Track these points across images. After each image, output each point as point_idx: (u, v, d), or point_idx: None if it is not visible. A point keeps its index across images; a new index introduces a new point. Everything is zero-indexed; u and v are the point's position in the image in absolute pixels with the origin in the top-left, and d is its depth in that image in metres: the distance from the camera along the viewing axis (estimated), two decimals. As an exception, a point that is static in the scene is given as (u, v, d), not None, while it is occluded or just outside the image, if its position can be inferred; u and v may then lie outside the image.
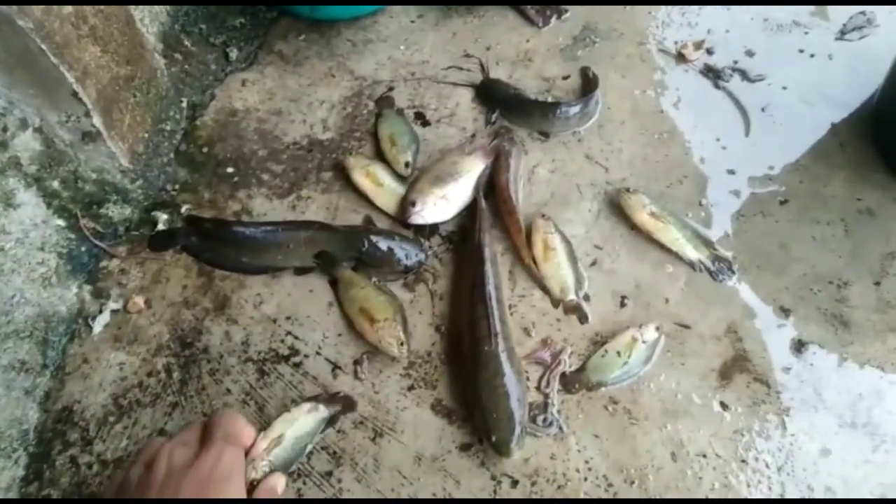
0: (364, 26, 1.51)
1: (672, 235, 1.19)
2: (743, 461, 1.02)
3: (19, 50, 0.97)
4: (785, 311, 1.14)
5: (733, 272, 1.18)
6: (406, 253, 1.17)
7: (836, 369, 1.08)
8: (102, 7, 1.09)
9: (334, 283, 1.17)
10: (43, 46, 0.96)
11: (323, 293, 1.17)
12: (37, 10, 0.95)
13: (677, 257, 1.19)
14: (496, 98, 1.38)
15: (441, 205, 1.21)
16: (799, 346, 1.10)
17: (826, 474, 1.00)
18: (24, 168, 1.10)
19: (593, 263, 1.19)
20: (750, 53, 1.46)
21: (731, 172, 1.29)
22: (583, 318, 1.14)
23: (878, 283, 1.16)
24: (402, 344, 1.09)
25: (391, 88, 1.42)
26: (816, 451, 1.02)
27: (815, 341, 1.11)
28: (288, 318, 1.15)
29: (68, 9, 1.00)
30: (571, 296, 1.15)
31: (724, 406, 1.06)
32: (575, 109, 1.33)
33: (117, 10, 1.13)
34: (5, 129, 1.07)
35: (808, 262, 1.19)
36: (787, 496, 0.99)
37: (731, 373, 1.09)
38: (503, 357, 1.04)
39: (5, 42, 0.96)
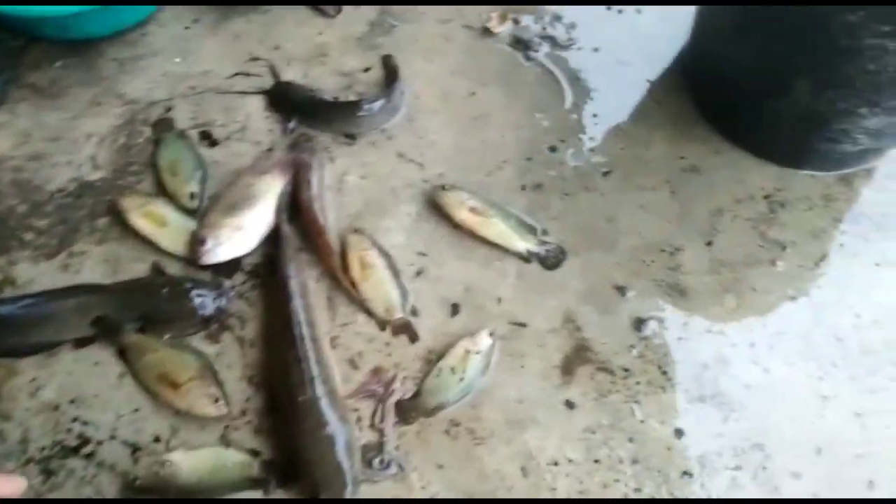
0: (131, 41, 1.30)
1: (496, 229, 1.09)
2: (596, 461, 0.94)
3: None
4: (620, 290, 1.07)
5: (564, 256, 1.10)
6: (202, 300, 1.00)
7: (678, 342, 1.03)
8: None
9: (122, 352, 0.99)
10: None
11: (110, 365, 0.98)
12: None
13: (505, 251, 1.10)
14: (291, 103, 1.22)
15: (238, 237, 1.05)
16: (638, 324, 1.04)
17: (681, 457, 0.95)
18: None
19: (418, 273, 1.08)
20: (557, 18, 1.38)
21: (553, 150, 1.21)
22: (413, 337, 1.03)
23: (709, 243, 1.12)
24: (217, 401, 0.94)
25: (169, 108, 1.22)
26: (669, 434, 0.96)
27: (655, 316, 1.05)
28: (72, 401, 0.96)
29: None
30: (398, 314, 1.03)
31: (569, 405, 0.98)
32: (379, 104, 1.20)
33: None
34: None
35: (637, 232, 1.13)
36: (645, 490, 0.92)
37: (573, 366, 1.01)
38: (322, 403, 0.91)
39: None
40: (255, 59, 1.30)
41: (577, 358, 1.02)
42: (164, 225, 1.07)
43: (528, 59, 1.32)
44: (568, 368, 1.01)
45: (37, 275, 1.06)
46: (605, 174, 1.18)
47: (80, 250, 1.08)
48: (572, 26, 1.37)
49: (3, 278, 1.06)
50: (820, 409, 0.98)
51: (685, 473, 0.94)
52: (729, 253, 1.11)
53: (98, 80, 1.25)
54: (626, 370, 1.00)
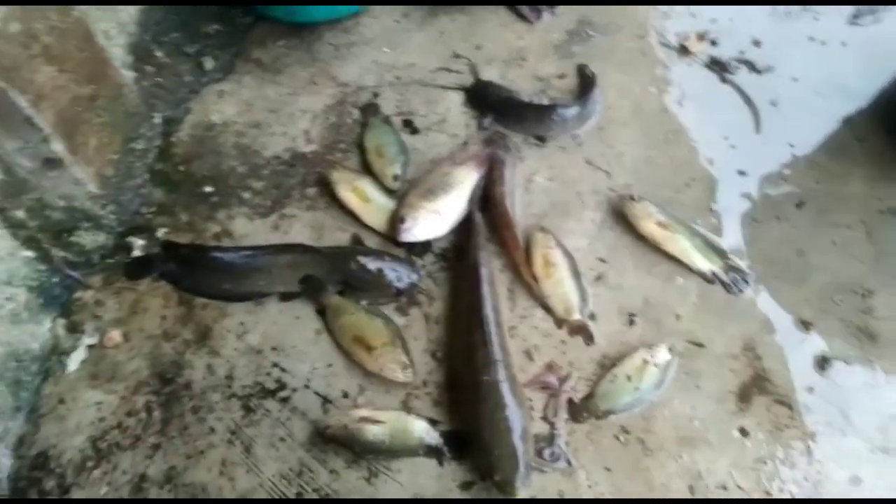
0: (346, 28, 1.40)
1: (681, 245, 1.10)
2: (766, 493, 0.93)
3: (-35, 76, 0.88)
4: (806, 325, 1.05)
5: (748, 283, 1.09)
6: (398, 274, 1.08)
7: (864, 388, 1.00)
8: (56, 22, 0.99)
9: (322, 311, 1.08)
10: (-12, 71, 0.87)
11: (310, 321, 1.07)
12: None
13: (688, 269, 1.10)
14: (488, 101, 1.28)
15: (433, 220, 1.12)
16: (822, 363, 1.02)
17: (857, 505, 0.92)
18: (-17, 199, 1.02)
19: (598, 278, 1.10)
20: (757, 43, 1.36)
21: (742, 174, 1.20)
22: (588, 339, 1.05)
23: (904, 291, 1.07)
24: (405, 368, 1.01)
25: (377, 94, 1.32)
26: (846, 480, 0.94)
27: (840, 357, 1.02)
28: (274, 348, 1.06)
29: (16, 27, 0.91)
30: (576, 315, 1.06)
31: (743, 432, 0.98)
32: (572, 111, 1.24)
33: (73, 26, 1.03)
34: (-40, 159, 0.98)
35: (828, 269, 1.10)
36: (816, 530, 0.91)
37: (750, 395, 1.00)
38: (504, 387, 0.95)
39: (-50, 67, 0.87)
40: (457, 56, 1.37)
41: (754, 387, 1.00)
42: (367, 201, 1.16)
43: (724, 80, 1.31)
44: (744, 396, 1.00)
45: (251, 230, 1.17)
46: (798, 205, 1.16)
47: (289, 213, 1.18)
48: (772, 52, 1.35)
49: (222, 230, 1.18)
50: None
51: (862, 522, 0.91)
52: (928, 304, 1.06)
53: (315, 61, 1.36)
54: (805, 407, 0.98)
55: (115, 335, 1.09)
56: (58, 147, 1.01)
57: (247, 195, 1.21)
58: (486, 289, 1.04)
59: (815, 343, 1.03)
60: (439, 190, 1.14)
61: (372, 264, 1.08)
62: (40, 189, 1.07)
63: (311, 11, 1.34)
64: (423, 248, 1.14)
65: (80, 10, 1.05)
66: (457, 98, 1.31)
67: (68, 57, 1.02)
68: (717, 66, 1.31)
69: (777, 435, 0.96)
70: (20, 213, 1.06)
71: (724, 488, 0.93)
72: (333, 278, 1.08)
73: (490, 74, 1.34)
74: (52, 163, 1.04)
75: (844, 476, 0.93)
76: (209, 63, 1.34)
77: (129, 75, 1.22)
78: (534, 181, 1.20)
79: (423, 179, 1.17)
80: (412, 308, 1.09)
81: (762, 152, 1.22)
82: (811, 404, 0.98)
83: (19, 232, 1.07)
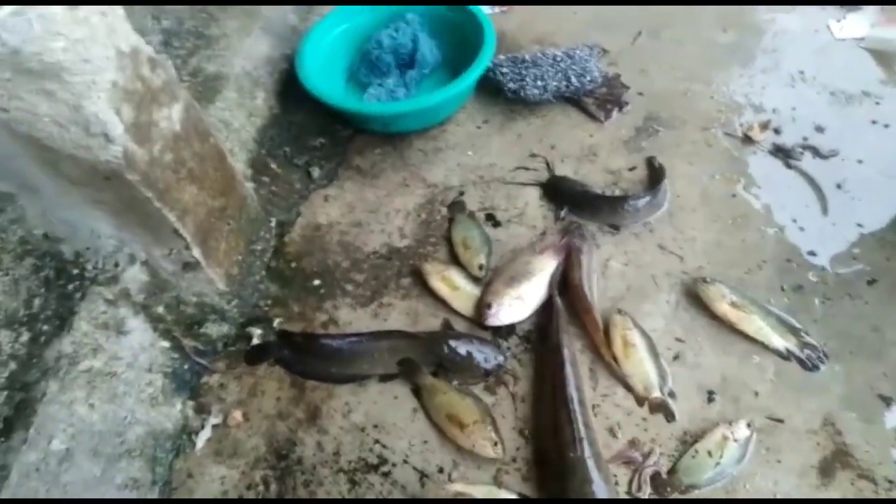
0: (434, 136, 1.60)
1: (756, 325, 1.17)
2: (856, 569, 0.96)
3: (128, 198, 1.09)
4: (885, 400, 1.09)
5: (825, 360, 1.14)
6: (485, 356, 1.19)
7: (949, 463, 1.02)
8: (198, 149, 1.21)
9: (417, 391, 1.20)
10: (148, 194, 1.08)
11: (407, 400, 1.20)
12: (141, 162, 1.07)
13: (763, 347, 1.16)
14: (563, 194, 1.43)
15: (517, 305, 1.24)
16: (906, 438, 1.05)
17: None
18: (132, 297, 1.22)
19: (676, 357, 1.18)
20: (820, 129, 1.45)
21: (812, 254, 1.27)
22: (669, 417, 1.12)
23: None
24: (496, 444, 1.11)
25: (462, 193, 1.49)
26: (938, 555, 0.95)
27: (923, 431, 1.05)
28: (375, 426, 1.19)
29: (168, 157, 1.12)
30: (656, 393, 1.14)
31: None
32: (643, 201, 1.35)
33: (210, 150, 1.25)
34: (116, 265, 1.19)
35: (905, 345, 1.14)
36: None
37: (832, 469, 1.04)
38: (590, 464, 1.03)
39: (116, 192, 1.09)
40: (533, 155, 1.54)
41: (836, 461, 1.04)
42: (456, 289, 1.30)
43: (789, 166, 1.40)
44: (826, 471, 1.03)
45: (354, 318, 1.33)
46: (870, 283, 1.21)
47: (387, 302, 1.33)
48: (836, 137, 1.43)
49: (329, 319, 1.34)
50: None
51: None
52: None
53: (406, 166, 1.55)
54: (890, 482, 1.01)
55: (237, 415, 1.25)
56: (196, 252, 1.21)
57: (350, 287, 1.37)
58: (569, 369, 1.14)
59: (897, 418, 1.07)
60: (521, 277, 1.27)
61: (462, 347, 1.20)
62: (178, 288, 1.27)
63: (402, 123, 1.55)
64: (507, 331, 1.25)
65: (213, 138, 1.27)
66: (534, 193, 1.46)
67: (206, 176, 1.23)
68: (781, 153, 1.41)
69: (863, 510, 1.00)
70: (160, 309, 1.26)
71: (813, 563, 0.96)
72: (428, 360, 1.21)
73: (564, 170, 1.49)
74: (189, 266, 1.24)
75: (937, 553, 0.95)
76: (316, 171, 1.55)
77: (249, 186, 1.43)
78: (609, 266, 1.31)
79: (506, 268, 1.30)
80: (499, 388, 1.20)
81: (831, 233, 1.29)
82: (895, 478, 1.01)
83: (159, 325, 1.26)
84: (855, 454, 1.04)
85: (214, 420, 1.25)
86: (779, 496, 1.02)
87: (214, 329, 1.33)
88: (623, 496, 1.05)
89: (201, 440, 1.24)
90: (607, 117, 1.56)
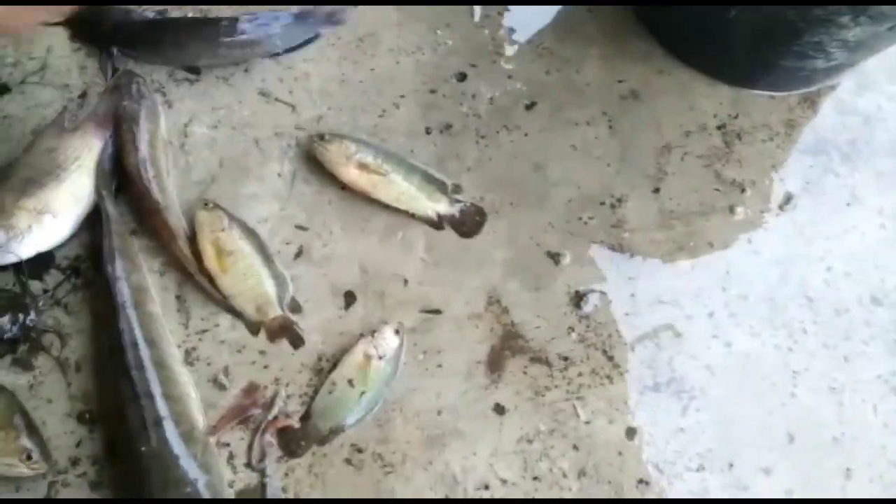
0: None
1: (395, 189, 0.87)
2: (535, 478, 0.78)
3: None
4: (554, 257, 0.89)
5: (483, 218, 0.90)
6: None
7: (625, 318, 0.86)
8: None
9: None
10: None
11: None
12: None
13: (409, 216, 0.88)
14: (108, 28, 0.93)
15: (45, 223, 0.79)
16: (577, 300, 0.86)
17: (636, 462, 0.80)
18: None
19: (298, 254, 0.85)
20: None
21: (462, 78, 0.97)
22: (297, 341, 0.81)
23: (656, 190, 0.94)
24: (29, 458, 0.71)
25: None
26: (620, 435, 0.81)
27: (596, 287, 0.87)
28: None
29: None
30: (274, 311, 0.81)
31: (499, 409, 0.81)
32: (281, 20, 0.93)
33: None
34: None
35: (572, 181, 0.93)
36: (592, 506, 0.78)
37: (501, 360, 0.83)
38: (173, 452, 0.70)
39: None
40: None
41: (505, 349, 0.83)
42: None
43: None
44: (496, 363, 0.82)
45: None
46: (529, 107, 0.97)
47: None
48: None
49: None
50: (790, 387, 0.85)
51: (641, 482, 0.79)
52: (680, 200, 0.93)
53: None
54: (564, 359, 0.83)
55: None
56: None
57: None
58: (127, 314, 0.75)
59: (568, 276, 0.88)
60: (45, 176, 0.80)
61: (-48, 312, 0.74)
62: None
63: None
64: (39, 266, 0.81)
65: None
66: (60, 33, 0.93)
67: None
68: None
69: (538, 402, 0.81)
70: None
71: (486, 487, 0.77)
72: None
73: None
74: None
75: (619, 431, 0.80)
76: None
77: None
78: (192, 133, 0.89)
79: (18, 165, 0.81)
80: (38, 356, 0.78)
81: (481, 46, 0.99)
82: (571, 353, 0.83)
83: None
84: (525, 333, 0.84)
85: None
86: (444, 413, 0.79)
87: None
88: (243, 471, 0.75)
89: None
90: None
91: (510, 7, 1.03)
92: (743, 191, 0.96)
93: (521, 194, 0.92)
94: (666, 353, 0.85)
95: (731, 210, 0.94)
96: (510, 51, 1.01)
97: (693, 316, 0.87)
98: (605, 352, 0.84)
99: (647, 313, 0.87)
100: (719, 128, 0.99)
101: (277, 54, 0.94)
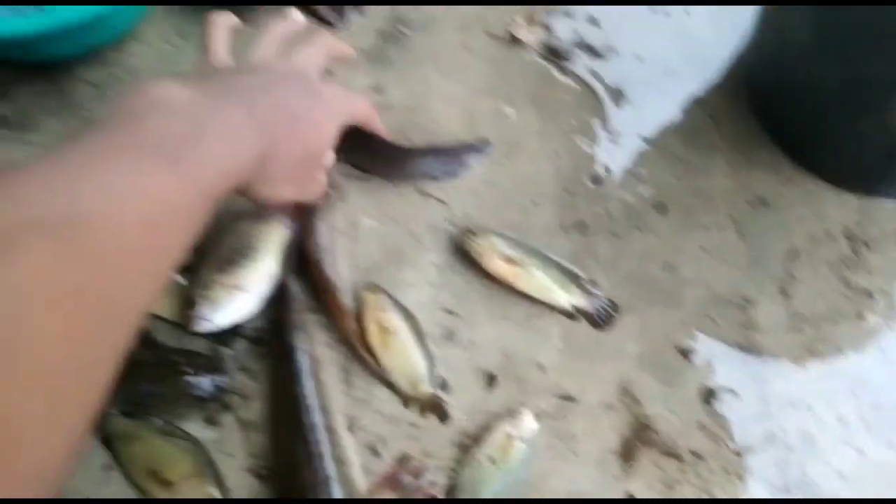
0: (106, 60, 1.13)
1: (535, 281, 0.95)
2: (665, 568, 0.82)
3: None
4: (684, 353, 0.94)
5: (615, 313, 0.96)
6: (197, 378, 0.87)
7: (755, 419, 0.90)
8: None
9: (107, 440, 0.86)
10: None
11: (94, 456, 0.85)
12: None
13: (547, 307, 0.96)
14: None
15: (236, 298, 0.92)
16: (708, 397, 0.91)
17: (766, 561, 0.82)
18: None
19: (447, 336, 0.94)
20: (593, 21, 1.22)
21: (597, 182, 1.07)
22: (443, 416, 0.90)
23: (785, 294, 0.98)
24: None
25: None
26: (750, 534, 0.84)
27: (726, 385, 0.92)
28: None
29: None
30: (425, 388, 0.90)
31: (632, 500, 0.86)
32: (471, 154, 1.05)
33: None
34: None
35: (702, 282, 0.99)
36: None
37: (633, 451, 0.88)
38: (341, 512, 0.78)
39: None
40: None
41: (637, 440, 0.88)
42: (149, 286, 0.94)
43: (563, 71, 1.17)
44: (628, 453, 0.87)
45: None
46: (659, 210, 1.04)
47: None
48: (611, 31, 1.21)
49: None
50: (929, 500, 0.85)
51: (771, 583, 0.81)
52: (809, 305, 0.97)
53: (72, 106, 1.08)
54: (695, 455, 0.87)
55: None
56: None
57: None
58: (304, 383, 0.86)
59: (699, 373, 0.92)
60: (238, 256, 0.93)
61: (160, 371, 0.87)
62: None
63: (48, 47, 1.07)
64: (228, 335, 0.93)
65: None
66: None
67: None
68: (554, 55, 1.17)
69: (670, 495, 0.85)
70: None
71: (618, 573, 0.81)
72: (117, 398, 0.87)
73: (293, 98, 1.13)
74: None
75: (748, 529, 0.83)
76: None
77: None
78: (361, 224, 1.01)
79: (216, 245, 0.95)
80: (224, 415, 0.89)
81: (613, 152, 1.08)
82: (701, 449, 0.87)
83: None
84: (656, 426, 0.89)
85: None
86: (579, 497, 0.85)
87: None
88: (393, 535, 0.82)
89: None
90: (341, 20, 1.21)
91: (641, 115, 1.11)
92: (871, 297, 0.98)
93: (652, 292, 0.98)
94: (797, 457, 0.87)
95: (860, 316, 0.97)
96: (641, 157, 1.08)
97: (824, 420, 0.89)
98: (735, 451, 0.88)
99: (778, 415, 0.90)
100: (847, 236, 1.03)
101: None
